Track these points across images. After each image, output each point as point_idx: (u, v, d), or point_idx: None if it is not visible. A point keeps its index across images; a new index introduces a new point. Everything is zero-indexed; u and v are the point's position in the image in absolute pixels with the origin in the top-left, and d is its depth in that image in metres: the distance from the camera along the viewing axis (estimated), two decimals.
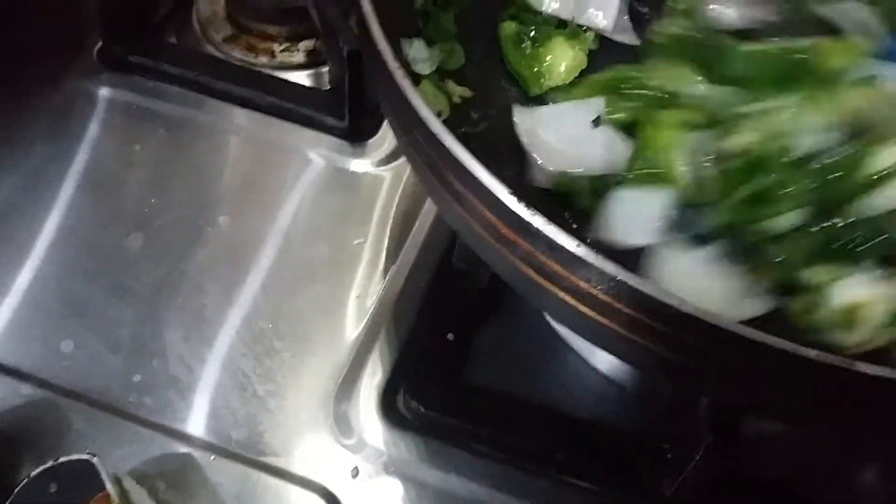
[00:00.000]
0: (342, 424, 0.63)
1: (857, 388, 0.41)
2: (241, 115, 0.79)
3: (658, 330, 0.42)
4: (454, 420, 0.64)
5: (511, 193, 0.44)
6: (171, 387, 0.64)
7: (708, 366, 0.43)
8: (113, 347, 0.65)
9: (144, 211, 0.72)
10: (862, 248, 0.51)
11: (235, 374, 0.65)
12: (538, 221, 0.43)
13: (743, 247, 0.51)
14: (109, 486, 0.51)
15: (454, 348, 0.67)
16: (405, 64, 0.60)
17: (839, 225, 0.51)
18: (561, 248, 0.42)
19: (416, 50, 0.62)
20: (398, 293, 0.69)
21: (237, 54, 0.83)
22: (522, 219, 0.43)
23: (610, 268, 0.41)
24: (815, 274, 0.50)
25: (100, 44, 0.81)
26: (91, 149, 0.76)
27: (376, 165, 0.77)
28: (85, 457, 0.52)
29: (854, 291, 0.49)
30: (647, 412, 0.65)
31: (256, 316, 0.67)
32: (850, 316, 0.48)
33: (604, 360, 0.67)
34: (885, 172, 0.52)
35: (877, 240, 0.51)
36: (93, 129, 0.77)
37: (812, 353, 0.39)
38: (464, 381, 0.66)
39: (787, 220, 0.51)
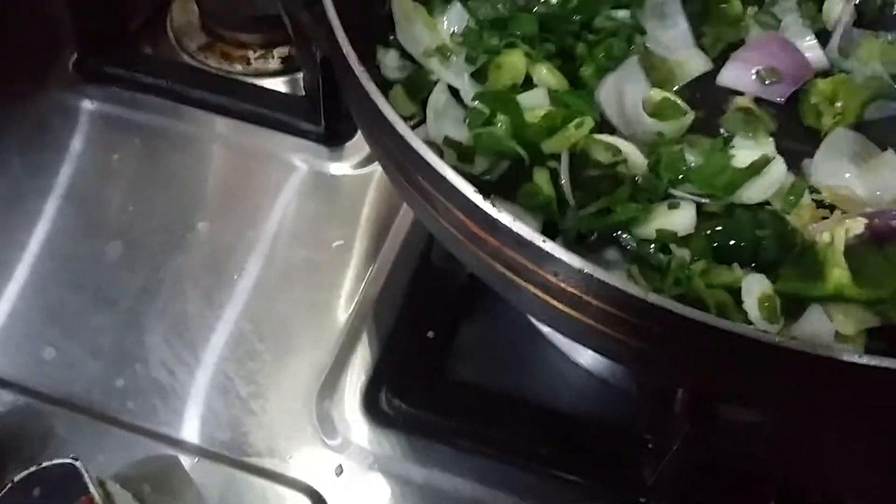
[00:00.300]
0: (326, 424, 0.64)
1: (822, 372, 0.42)
2: (218, 123, 0.80)
3: (626, 321, 0.43)
4: (437, 416, 0.65)
5: (476, 192, 0.45)
6: (155, 391, 0.64)
7: (676, 355, 0.44)
8: (95, 354, 0.65)
9: (123, 219, 0.73)
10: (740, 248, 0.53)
11: (218, 377, 0.65)
12: (505, 218, 0.44)
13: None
14: (93, 490, 0.52)
15: (435, 345, 0.67)
16: (374, 69, 0.61)
17: (717, 228, 0.54)
18: (528, 243, 0.43)
19: (391, 59, 0.62)
20: (378, 293, 0.70)
21: (212, 63, 0.83)
22: (489, 216, 0.44)
23: (576, 261, 0.42)
24: (715, 276, 0.51)
25: (75, 56, 0.82)
26: (69, 160, 0.77)
27: (354, 168, 0.78)
28: (68, 461, 0.53)
29: (758, 286, 0.50)
30: (629, 404, 0.66)
31: (238, 319, 0.68)
32: (768, 306, 0.49)
33: (584, 354, 0.68)
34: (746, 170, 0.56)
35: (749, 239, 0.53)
36: (71, 140, 0.78)
37: (775, 337, 0.40)
38: (446, 377, 0.67)
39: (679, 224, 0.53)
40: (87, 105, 0.80)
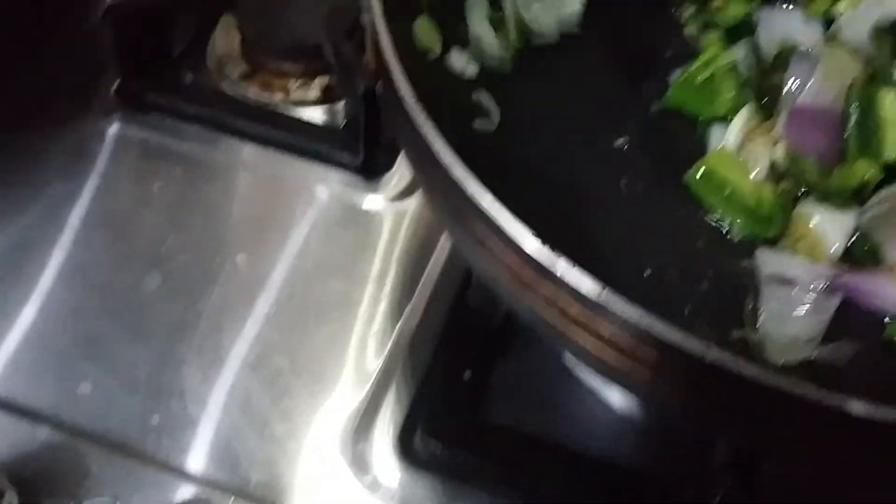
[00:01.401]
0: (360, 465, 0.63)
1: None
2: (256, 153, 0.79)
3: (684, 376, 0.42)
4: (473, 458, 0.64)
5: (535, 236, 0.44)
6: (190, 428, 0.63)
7: (735, 413, 0.43)
8: (131, 389, 0.65)
9: (161, 250, 0.72)
10: None
11: (253, 415, 0.64)
12: (562, 266, 0.43)
13: None
14: None
15: (471, 386, 0.66)
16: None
17: None
18: (584, 296, 0.42)
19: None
20: (414, 330, 0.69)
21: (253, 91, 0.83)
22: (545, 265, 0.43)
23: (634, 313, 0.41)
24: None
25: (117, 82, 0.82)
26: (107, 188, 0.76)
27: (391, 201, 0.77)
28: (107, 500, 0.52)
29: None
30: (665, 452, 0.65)
31: (273, 354, 0.67)
32: None
33: (619, 399, 0.67)
34: None
35: None
36: (109, 167, 0.78)
37: (859, 406, 0.38)
38: (481, 418, 0.65)
39: None
40: (127, 132, 0.79)
